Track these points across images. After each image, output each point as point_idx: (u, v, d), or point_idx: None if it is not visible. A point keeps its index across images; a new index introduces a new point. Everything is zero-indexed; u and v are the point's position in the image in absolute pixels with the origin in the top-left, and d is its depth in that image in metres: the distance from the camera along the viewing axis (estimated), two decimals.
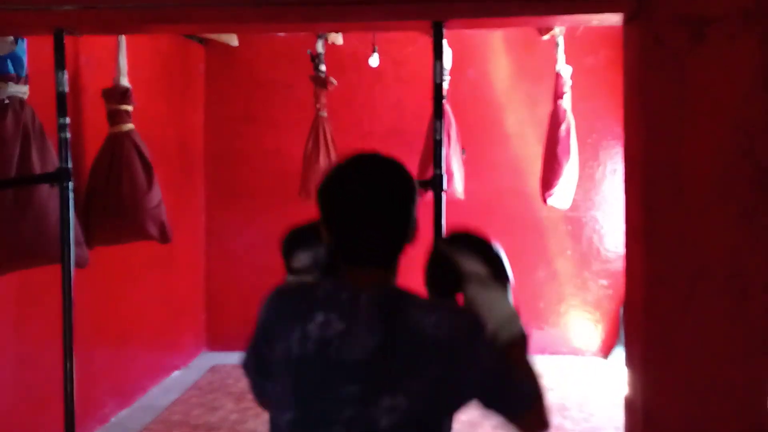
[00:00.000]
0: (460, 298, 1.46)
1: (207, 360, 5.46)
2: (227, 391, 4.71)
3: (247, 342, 1.44)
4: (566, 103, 4.30)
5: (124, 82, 3.62)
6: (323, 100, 4.52)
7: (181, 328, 5.31)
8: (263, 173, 5.60)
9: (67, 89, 2.39)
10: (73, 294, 2.37)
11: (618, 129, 5.23)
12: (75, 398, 2.38)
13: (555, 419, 4.17)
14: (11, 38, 2.68)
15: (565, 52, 4.30)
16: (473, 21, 2.08)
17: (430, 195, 2.22)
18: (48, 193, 2.75)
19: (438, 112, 2.19)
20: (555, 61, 4.32)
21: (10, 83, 2.73)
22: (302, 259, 1.51)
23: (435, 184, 2.19)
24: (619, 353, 5.31)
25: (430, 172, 2.29)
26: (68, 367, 2.36)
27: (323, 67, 4.49)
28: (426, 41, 2.32)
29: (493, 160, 5.50)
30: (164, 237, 3.72)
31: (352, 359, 1.24)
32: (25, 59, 2.78)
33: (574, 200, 4.60)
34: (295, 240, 1.54)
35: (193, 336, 5.53)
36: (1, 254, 2.73)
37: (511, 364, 1.33)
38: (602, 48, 5.31)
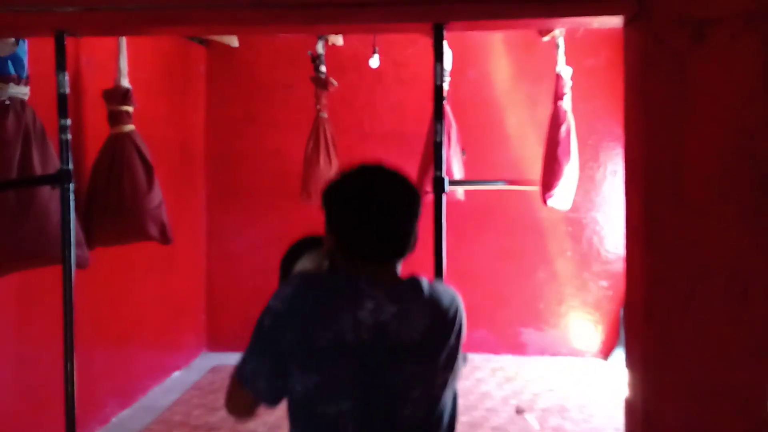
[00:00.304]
0: None
1: (207, 360, 5.46)
2: None
3: (249, 347, 1.39)
4: (566, 104, 4.29)
5: (125, 83, 3.62)
6: (324, 101, 4.52)
7: (182, 329, 5.31)
8: (264, 174, 5.61)
9: (68, 90, 2.40)
10: (73, 294, 2.38)
11: (618, 130, 5.24)
12: (75, 398, 2.38)
13: (555, 420, 4.18)
14: (12, 40, 2.68)
15: (566, 53, 4.29)
16: (474, 23, 2.08)
17: (430, 196, 2.23)
18: (49, 194, 2.75)
19: (438, 115, 2.20)
20: (555, 62, 4.32)
21: (11, 84, 2.73)
22: (306, 264, 1.53)
23: (435, 185, 2.20)
24: (619, 354, 5.31)
25: (430, 174, 2.30)
26: (69, 367, 2.36)
27: (324, 68, 4.49)
28: (426, 42, 2.32)
29: (493, 161, 5.50)
30: (165, 238, 3.72)
31: (411, 339, 1.33)
32: (26, 60, 2.78)
33: (574, 201, 4.60)
34: (296, 252, 1.61)
35: (193, 336, 5.53)
36: (3, 255, 2.73)
37: None
38: (603, 49, 5.31)
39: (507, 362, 5.34)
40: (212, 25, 2.23)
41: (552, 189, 4.30)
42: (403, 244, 1.40)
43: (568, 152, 4.26)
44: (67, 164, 2.40)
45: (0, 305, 3.13)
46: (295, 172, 4.64)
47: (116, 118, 3.59)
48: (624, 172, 1.90)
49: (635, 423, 1.78)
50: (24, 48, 2.77)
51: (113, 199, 3.51)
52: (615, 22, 1.92)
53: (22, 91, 2.79)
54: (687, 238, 1.70)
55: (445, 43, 2.14)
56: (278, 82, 5.61)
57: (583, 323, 5.54)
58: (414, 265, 1.51)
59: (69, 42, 2.37)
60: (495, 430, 3.97)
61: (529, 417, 4.21)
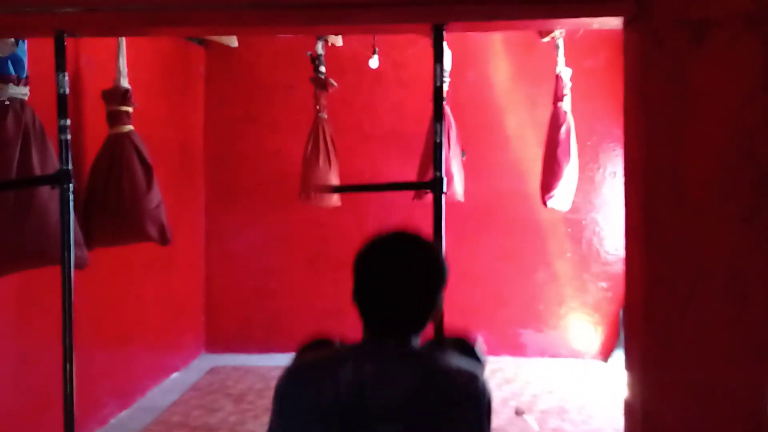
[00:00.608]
0: None
1: (206, 361, 5.46)
2: (226, 392, 4.71)
3: None
4: (566, 105, 4.30)
5: (124, 83, 3.62)
6: (323, 101, 4.52)
7: (181, 330, 5.31)
8: (263, 175, 5.61)
9: (67, 91, 2.39)
10: (73, 295, 2.37)
11: (618, 131, 5.24)
12: (75, 399, 2.38)
13: (554, 422, 4.18)
14: (12, 40, 2.68)
15: (565, 54, 4.30)
16: (473, 24, 2.08)
17: (430, 197, 2.23)
18: (48, 195, 2.74)
19: (438, 115, 2.20)
20: (555, 64, 4.33)
21: (11, 85, 2.73)
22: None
23: (435, 186, 2.19)
24: (619, 356, 5.31)
25: (430, 175, 2.30)
26: (68, 368, 2.36)
27: (323, 69, 4.49)
28: (426, 43, 2.32)
29: (493, 162, 5.51)
30: (164, 238, 3.72)
31: (391, 398, 1.25)
32: (25, 61, 2.78)
33: (573, 202, 4.60)
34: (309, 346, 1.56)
35: (192, 337, 5.53)
36: (2, 255, 2.73)
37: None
38: (602, 50, 5.31)
39: (506, 363, 5.34)
40: (212, 25, 2.23)
41: (552, 190, 4.30)
42: (412, 318, 1.34)
43: (567, 153, 4.26)
44: (67, 164, 2.40)
45: (0, 305, 3.13)
46: (295, 173, 4.64)
47: (115, 118, 3.59)
48: (624, 173, 1.90)
49: (635, 424, 1.77)
50: (24, 48, 2.77)
51: (112, 199, 3.51)
52: (615, 23, 1.92)
53: (22, 92, 2.78)
54: (687, 239, 1.70)
55: (444, 43, 2.14)
56: (278, 82, 5.61)
57: (583, 324, 5.54)
58: None
59: (68, 42, 2.36)
60: None
61: (529, 418, 4.21)
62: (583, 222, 5.51)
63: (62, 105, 2.38)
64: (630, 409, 1.82)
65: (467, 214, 5.19)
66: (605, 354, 5.51)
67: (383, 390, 1.26)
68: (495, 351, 5.51)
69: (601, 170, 5.50)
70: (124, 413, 4.26)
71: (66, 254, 2.38)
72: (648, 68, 1.74)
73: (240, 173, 5.66)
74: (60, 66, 2.34)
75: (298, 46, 4.98)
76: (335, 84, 4.57)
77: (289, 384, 1.33)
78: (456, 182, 4.21)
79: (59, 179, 2.42)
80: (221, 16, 2.01)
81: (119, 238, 3.68)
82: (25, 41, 2.77)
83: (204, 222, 5.69)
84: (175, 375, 5.08)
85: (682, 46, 1.71)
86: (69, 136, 2.41)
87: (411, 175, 4.35)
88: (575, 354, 5.52)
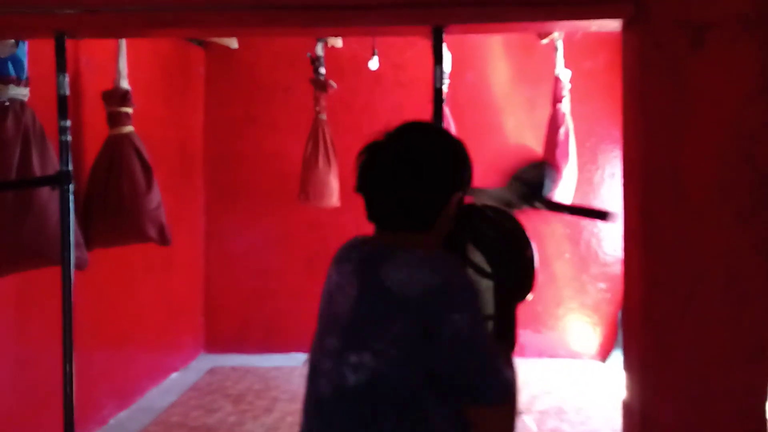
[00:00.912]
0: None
1: (205, 362, 5.46)
2: (226, 393, 4.71)
3: None
4: (565, 106, 4.31)
5: (124, 84, 3.62)
6: (323, 102, 4.53)
7: (180, 330, 5.31)
8: (262, 175, 5.61)
9: (68, 92, 2.40)
10: (72, 296, 2.38)
11: (616, 133, 5.24)
12: (74, 400, 2.38)
13: (552, 422, 4.18)
14: (12, 41, 2.68)
15: (564, 55, 4.31)
16: (473, 26, 2.09)
17: None
18: (48, 195, 2.75)
19: (437, 117, 2.20)
20: (554, 65, 4.34)
21: (11, 85, 2.73)
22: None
23: None
24: (617, 357, 5.31)
25: None
26: (68, 368, 2.36)
27: (323, 70, 4.49)
28: (426, 44, 2.33)
29: (491, 164, 5.51)
30: (163, 239, 3.72)
31: (338, 312, 1.27)
32: (25, 62, 2.79)
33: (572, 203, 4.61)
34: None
35: (191, 338, 5.53)
36: (2, 256, 2.73)
37: (493, 350, 1.21)
38: (601, 51, 5.32)
39: None
40: (212, 27, 2.24)
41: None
42: (402, 211, 1.27)
43: (566, 154, 4.27)
44: (67, 165, 2.40)
45: (0, 306, 3.14)
46: (294, 174, 4.64)
47: (115, 119, 3.59)
48: (622, 174, 1.91)
49: (633, 425, 1.78)
50: (24, 49, 2.78)
51: (112, 200, 3.51)
52: (613, 25, 1.92)
53: (22, 93, 2.79)
54: (685, 240, 1.71)
55: (444, 45, 2.14)
56: (277, 83, 5.62)
57: (581, 325, 5.55)
58: None
59: (68, 43, 2.37)
60: None
61: (527, 419, 4.21)
62: (582, 223, 5.52)
63: (63, 106, 2.39)
64: (628, 410, 1.83)
65: None
66: (603, 355, 5.51)
67: (335, 302, 1.29)
68: None
69: (599, 171, 5.50)
70: (123, 413, 4.26)
71: (66, 255, 2.39)
72: (647, 70, 1.75)
73: (240, 174, 5.67)
74: (60, 67, 2.35)
75: (297, 48, 4.99)
76: (335, 85, 4.58)
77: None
78: None
79: (59, 180, 2.43)
80: (221, 18, 2.01)
81: (119, 239, 3.69)
82: (26, 42, 2.77)
83: (203, 222, 5.70)
84: (174, 375, 5.08)
85: (680, 48, 1.72)
86: (69, 137, 2.42)
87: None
88: (573, 355, 5.53)
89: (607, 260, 5.51)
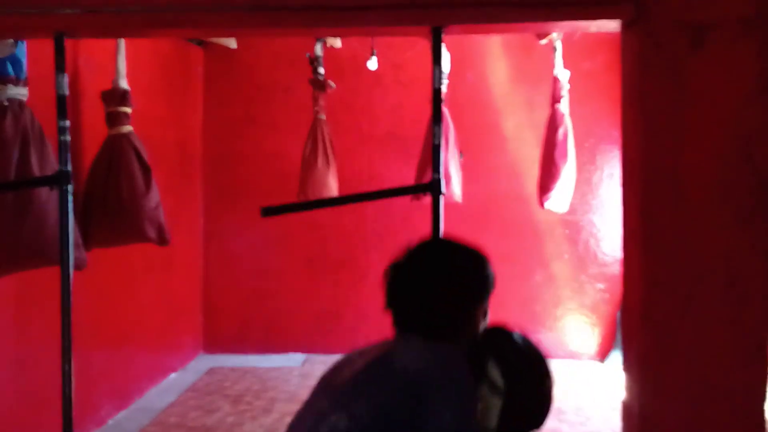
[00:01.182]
0: None
1: (204, 362, 5.46)
2: (224, 393, 4.71)
3: None
4: (564, 106, 4.31)
5: (123, 84, 3.62)
6: (322, 102, 4.53)
7: (179, 331, 5.31)
8: (262, 175, 5.61)
9: (67, 92, 2.39)
10: (71, 296, 2.37)
11: (615, 133, 5.25)
12: (73, 400, 2.38)
13: (551, 423, 4.19)
14: (11, 41, 2.68)
15: (563, 56, 4.31)
16: (472, 26, 2.08)
17: (428, 199, 2.23)
18: (47, 195, 2.74)
19: (436, 117, 2.20)
20: (553, 65, 4.34)
21: (10, 85, 2.73)
22: None
23: (433, 187, 2.20)
24: (616, 357, 5.32)
25: (428, 176, 2.30)
26: (66, 368, 2.36)
27: (322, 70, 4.49)
28: (425, 45, 2.33)
29: (490, 164, 5.52)
30: (162, 239, 3.72)
31: (338, 381, 1.31)
32: (24, 62, 2.78)
33: (571, 204, 4.61)
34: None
35: (190, 338, 5.53)
36: (1, 256, 2.73)
37: None
38: (600, 52, 5.33)
39: None
40: (211, 27, 2.23)
41: (549, 192, 4.31)
42: (425, 322, 1.34)
43: (565, 155, 4.27)
44: (66, 166, 2.39)
45: None
46: (294, 174, 4.64)
47: (114, 119, 3.59)
48: (621, 174, 1.91)
49: (632, 426, 1.78)
50: (23, 49, 2.77)
51: (111, 200, 3.51)
52: (613, 26, 1.92)
53: (21, 93, 2.78)
54: (685, 241, 1.71)
55: (443, 46, 2.14)
56: (276, 83, 5.62)
57: (580, 326, 5.55)
58: None
59: (67, 43, 2.36)
60: None
61: None
62: (581, 223, 5.52)
63: (62, 106, 2.38)
64: (627, 411, 1.83)
65: (465, 216, 5.19)
66: (602, 355, 5.52)
67: (341, 374, 1.33)
68: None
69: (598, 172, 5.51)
70: (121, 414, 4.26)
71: (65, 255, 2.38)
72: (646, 71, 1.75)
73: (239, 174, 5.67)
74: (60, 67, 2.34)
75: (297, 48, 4.99)
76: (334, 85, 4.58)
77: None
78: (454, 183, 4.22)
79: (58, 180, 2.42)
80: (221, 18, 2.01)
81: (118, 239, 3.68)
82: (24, 42, 2.77)
83: (202, 223, 5.69)
84: (172, 376, 5.07)
85: (680, 49, 1.72)
86: (69, 138, 2.41)
87: (409, 176, 4.36)
88: (572, 355, 5.53)
89: (605, 260, 5.51)
